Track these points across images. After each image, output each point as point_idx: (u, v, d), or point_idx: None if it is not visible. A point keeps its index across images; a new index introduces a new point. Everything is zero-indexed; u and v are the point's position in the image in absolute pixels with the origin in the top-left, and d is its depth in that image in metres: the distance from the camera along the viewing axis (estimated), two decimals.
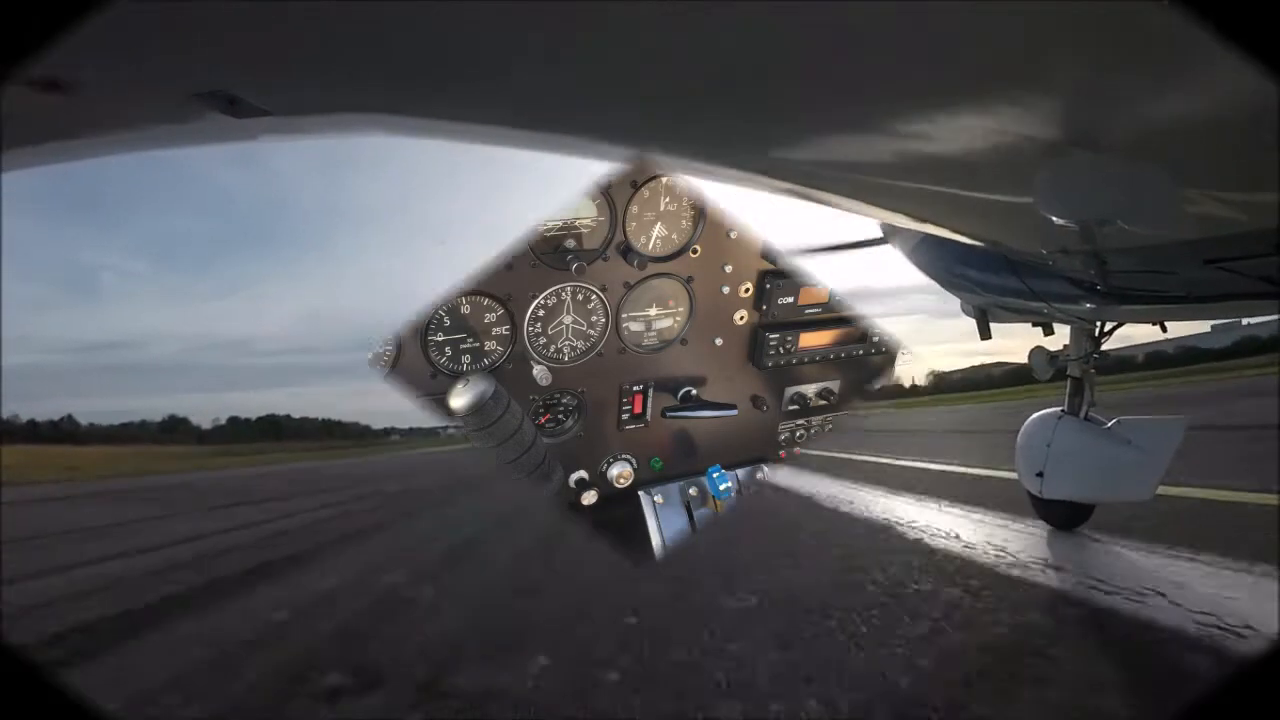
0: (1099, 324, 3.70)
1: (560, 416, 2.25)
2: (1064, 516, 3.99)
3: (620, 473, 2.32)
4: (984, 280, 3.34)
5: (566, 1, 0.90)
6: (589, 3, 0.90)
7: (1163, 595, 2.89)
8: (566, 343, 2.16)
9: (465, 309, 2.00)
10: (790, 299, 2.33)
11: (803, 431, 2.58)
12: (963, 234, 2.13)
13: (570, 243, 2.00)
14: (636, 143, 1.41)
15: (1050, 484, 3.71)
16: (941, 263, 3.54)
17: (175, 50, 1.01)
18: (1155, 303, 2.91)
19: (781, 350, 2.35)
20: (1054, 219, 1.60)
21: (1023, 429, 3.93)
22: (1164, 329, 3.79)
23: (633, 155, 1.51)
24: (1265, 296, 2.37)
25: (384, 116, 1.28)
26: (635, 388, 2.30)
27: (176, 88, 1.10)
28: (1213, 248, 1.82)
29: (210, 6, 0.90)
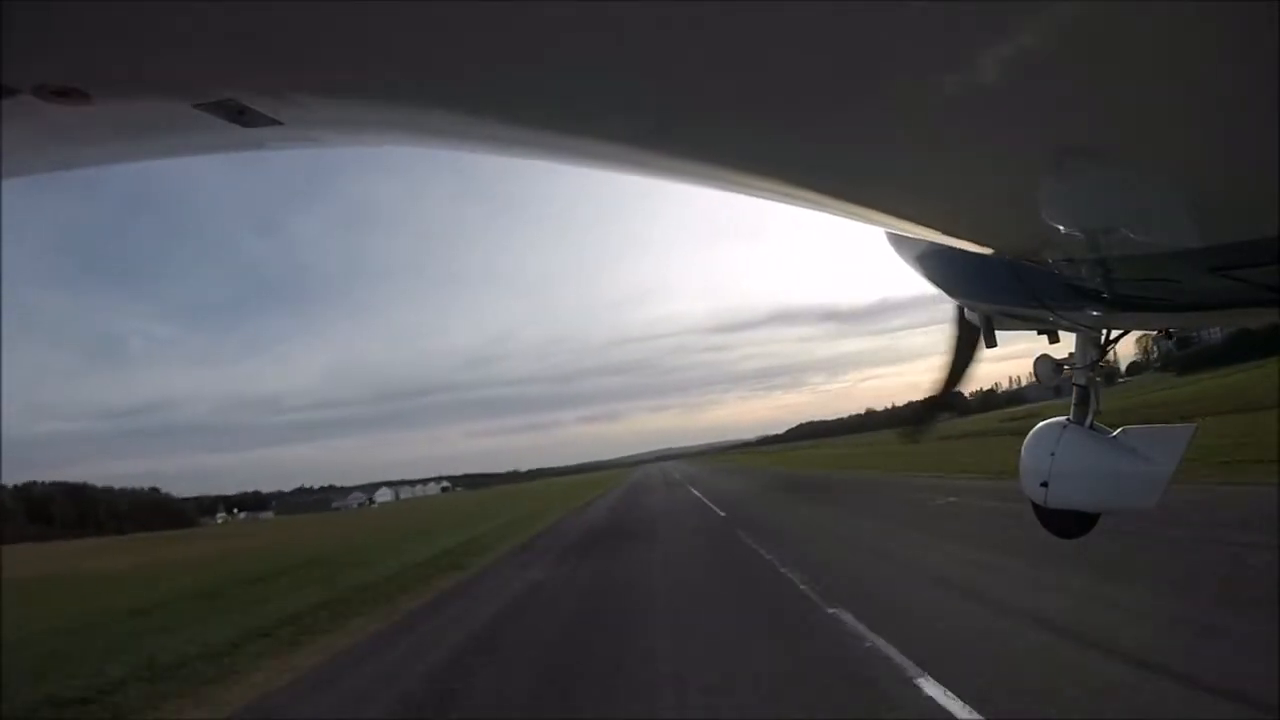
0: (1104, 332, 3.68)
1: None
2: (1068, 526, 3.96)
3: None
4: (989, 288, 3.33)
5: (570, 8, 0.91)
6: (593, 5, 0.91)
7: None
8: None
9: None
10: None
11: None
12: (968, 242, 2.13)
13: None
14: (643, 150, 1.42)
15: (1055, 494, 3.68)
16: (947, 271, 3.53)
17: (185, 59, 1.01)
18: (1160, 310, 2.90)
19: None
20: (1059, 227, 1.60)
21: (1027, 439, 3.90)
22: (1169, 336, 3.78)
23: (640, 162, 1.51)
24: (1269, 304, 2.36)
25: (392, 119, 1.29)
26: None
27: (185, 97, 1.10)
28: (1217, 255, 1.81)
29: (220, 17, 0.91)
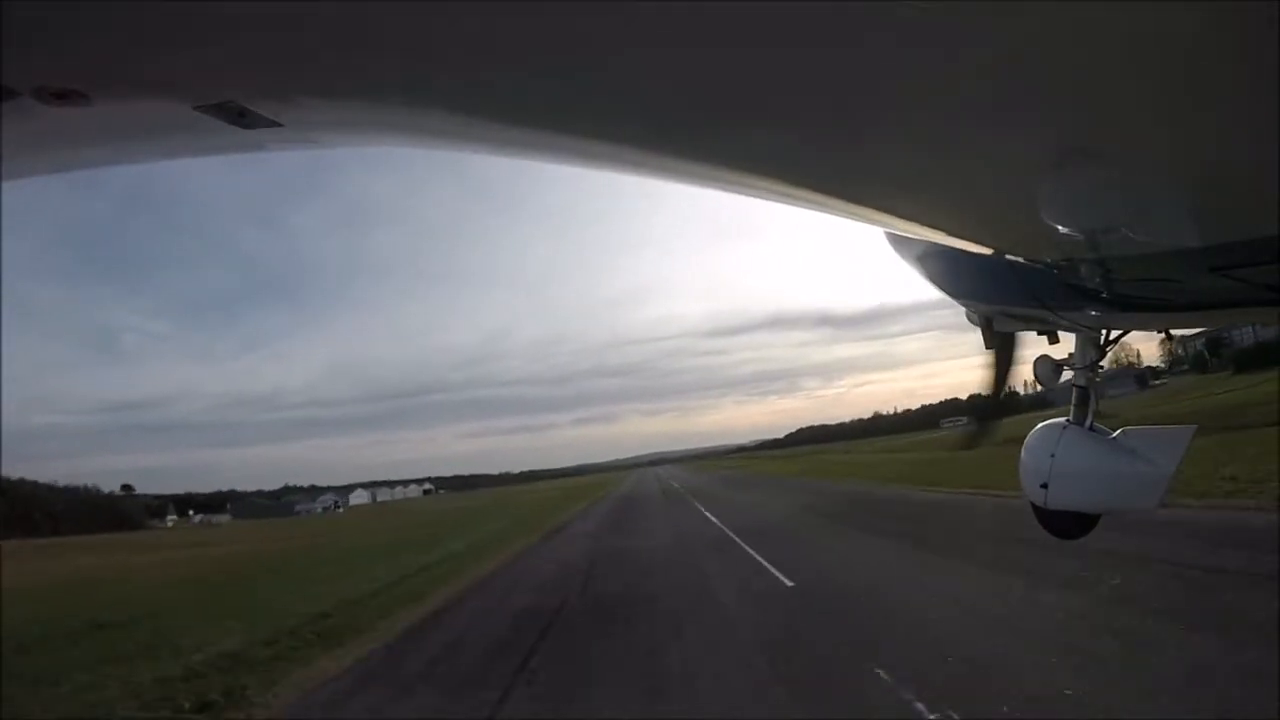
0: (1104, 332, 3.72)
1: None
2: (1068, 527, 4.00)
3: None
4: (989, 288, 3.34)
5: (570, 8, 0.91)
6: (593, 5, 0.92)
7: None
8: None
9: None
10: None
11: None
12: (968, 241, 2.14)
13: None
14: (642, 150, 1.42)
15: (1055, 495, 3.71)
16: (947, 270, 3.55)
17: (185, 61, 1.02)
18: (1160, 310, 2.92)
19: None
20: (1059, 226, 1.60)
21: (1026, 440, 3.92)
22: (1169, 337, 3.82)
23: (639, 163, 1.51)
24: (1270, 304, 2.39)
25: (393, 120, 1.30)
26: None
27: (185, 98, 1.11)
28: (1218, 255, 1.82)
29: (220, 19, 0.91)
